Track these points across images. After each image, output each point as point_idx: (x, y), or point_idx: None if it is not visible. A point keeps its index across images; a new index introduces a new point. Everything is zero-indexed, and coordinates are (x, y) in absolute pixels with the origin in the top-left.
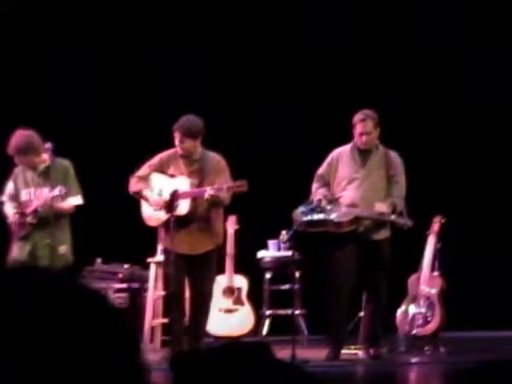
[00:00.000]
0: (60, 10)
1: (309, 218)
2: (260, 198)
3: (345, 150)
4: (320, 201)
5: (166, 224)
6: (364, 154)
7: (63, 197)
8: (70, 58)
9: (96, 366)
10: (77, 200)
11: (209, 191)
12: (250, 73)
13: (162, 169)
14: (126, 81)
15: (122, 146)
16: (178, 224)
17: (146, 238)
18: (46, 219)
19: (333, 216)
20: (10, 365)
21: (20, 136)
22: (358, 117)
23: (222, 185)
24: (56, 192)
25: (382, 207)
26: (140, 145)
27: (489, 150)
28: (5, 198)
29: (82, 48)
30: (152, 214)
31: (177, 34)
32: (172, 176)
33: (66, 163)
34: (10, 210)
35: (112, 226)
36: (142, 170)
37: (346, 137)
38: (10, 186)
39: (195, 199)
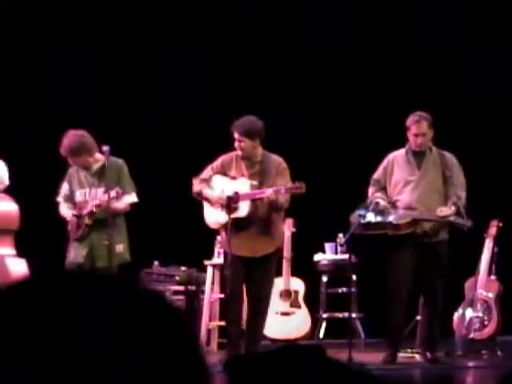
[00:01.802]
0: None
1: (366, 220)
2: (317, 201)
3: (400, 153)
4: (378, 204)
5: (226, 226)
6: (418, 156)
7: (119, 197)
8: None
9: (161, 366)
10: (132, 198)
11: (267, 193)
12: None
13: (223, 171)
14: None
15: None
16: (237, 226)
17: (204, 240)
18: (103, 220)
19: (391, 218)
20: (74, 366)
21: (73, 136)
22: (412, 118)
23: (280, 187)
24: (113, 193)
25: (445, 211)
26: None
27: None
28: (60, 199)
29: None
30: (213, 217)
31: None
32: (233, 178)
33: (119, 162)
34: (66, 211)
35: (170, 228)
36: (205, 172)
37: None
38: (64, 187)
39: (255, 202)
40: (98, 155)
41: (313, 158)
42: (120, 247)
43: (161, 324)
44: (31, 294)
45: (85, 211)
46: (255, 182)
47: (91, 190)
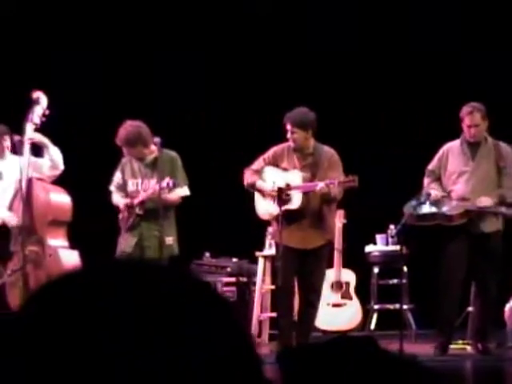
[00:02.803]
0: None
1: (420, 211)
2: (368, 192)
3: (455, 144)
4: (430, 195)
5: (277, 218)
6: (473, 146)
7: (171, 188)
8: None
9: (211, 356)
10: (184, 191)
11: (320, 185)
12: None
13: (275, 162)
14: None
15: None
16: (290, 218)
17: (255, 231)
18: (154, 210)
19: (444, 209)
20: (128, 356)
21: (129, 127)
22: (465, 110)
23: (333, 179)
24: (164, 184)
25: (484, 201)
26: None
27: None
28: (113, 187)
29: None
30: (265, 208)
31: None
32: (285, 169)
33: (173, 154)
34: (118, 199)
35: (221, 219)
36: (257, 164)
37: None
38: (117, 176)
39: (307, 194)
40: (152, 147)
41: (361, 149)
42: (170, 239)
43: (211, 314)
44: (82, 285)
45: (136, 201)
46: (307, 174)
47: (144, 181)
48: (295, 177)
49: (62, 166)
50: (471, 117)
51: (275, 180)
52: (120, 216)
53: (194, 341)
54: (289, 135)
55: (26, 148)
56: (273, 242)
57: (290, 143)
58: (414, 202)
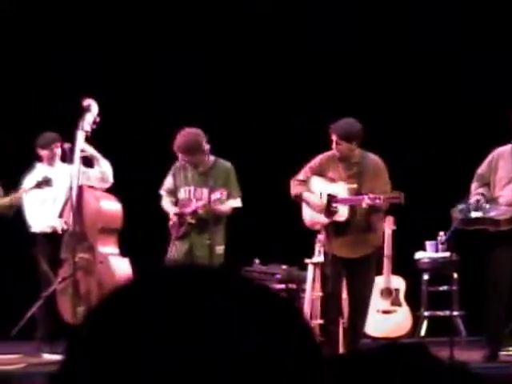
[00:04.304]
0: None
1: (467, 215)
2: (417, 199)
3: (505, 149)
4: (479, 200)
5: (326, 227)
6: None
7: (223, 200)
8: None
9: (277, 359)
10: (236, 203)
11: (366, 200)
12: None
13: (321, 171)
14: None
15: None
16: (337, 229)
17: (304, 238)
18: (205, 220)
19: (492, 214)
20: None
21: (189, 135)
22: None
23: (378, 195)
24: (217, 195)
25: None
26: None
27: None
28: (163, 192)
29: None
30: (313, 217)
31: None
32: (331, 180)
33: (228, 165)
34: (168, 205)
35: (270, 227)
36: (303, 173)
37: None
38: (169, 181)
39: (354, 206)
40: (208, 156)
41: (412, 157)
42: (220, 248)
43: (282, 321)
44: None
45: (188, 210)
46: (354, 185)
47: (196, 189)
48: (341, 189)
49: (111, 179)
50: None
51: (322, 191)
52: (170, 223)
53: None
54: (334, 145)
55: (77, 156)
56: (322, 249)
57: (335, 152)
58: (461, 207)
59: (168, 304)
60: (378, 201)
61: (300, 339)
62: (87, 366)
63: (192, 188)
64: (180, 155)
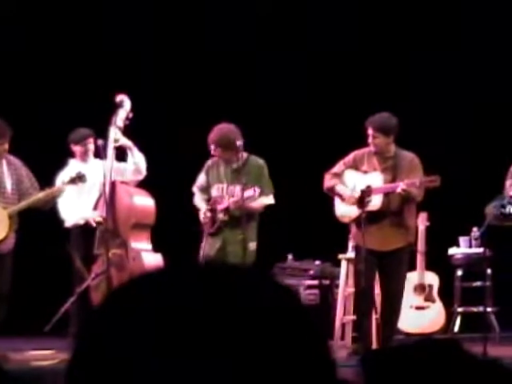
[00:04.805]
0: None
1: (502, 211)
2: (451, 195)
3: None
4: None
5: (357, 220)
6: None
7: (255, 198)
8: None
9: (286, 362)
10: (269, 200)
11: (401, 186)
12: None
13: (356, 166)
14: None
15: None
16: (370, 219)
17: (338, 234)
18: (238, 217)
19: None
20: (216, 363)
21: (222, 130)
22: None
23: (414, 179)
24: (250, 193)
25: None
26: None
27: None
28: (196, 188)
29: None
30: (345, 211)
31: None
32: (365, 172)
33: (260, 162)
34: (200, 203)
35: (303, 222)
36: (337, 167)
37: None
38: (201, 178)
39: (388, 195)
40: (242, 153)
41: (446, 152)
42: (252, 245)
43: (290, 321)
44: (164, 286)
45: (221, 207)
46: (388, 177)
47: (229, 186)
48: (376, 179)
49: (144, 171)
50: None
51: (356, 183)
52: (202, 220)
53: (270, 347)
54: (370, 139)
55: (110, 151)
56: (353, 244)
57: (371, 148)
58: (495, 203)
59: (169, 304)
60: (415, 184)
61: (312, 353)
62: (97, 362)
63: (225, 185)
64: (212, 147)
